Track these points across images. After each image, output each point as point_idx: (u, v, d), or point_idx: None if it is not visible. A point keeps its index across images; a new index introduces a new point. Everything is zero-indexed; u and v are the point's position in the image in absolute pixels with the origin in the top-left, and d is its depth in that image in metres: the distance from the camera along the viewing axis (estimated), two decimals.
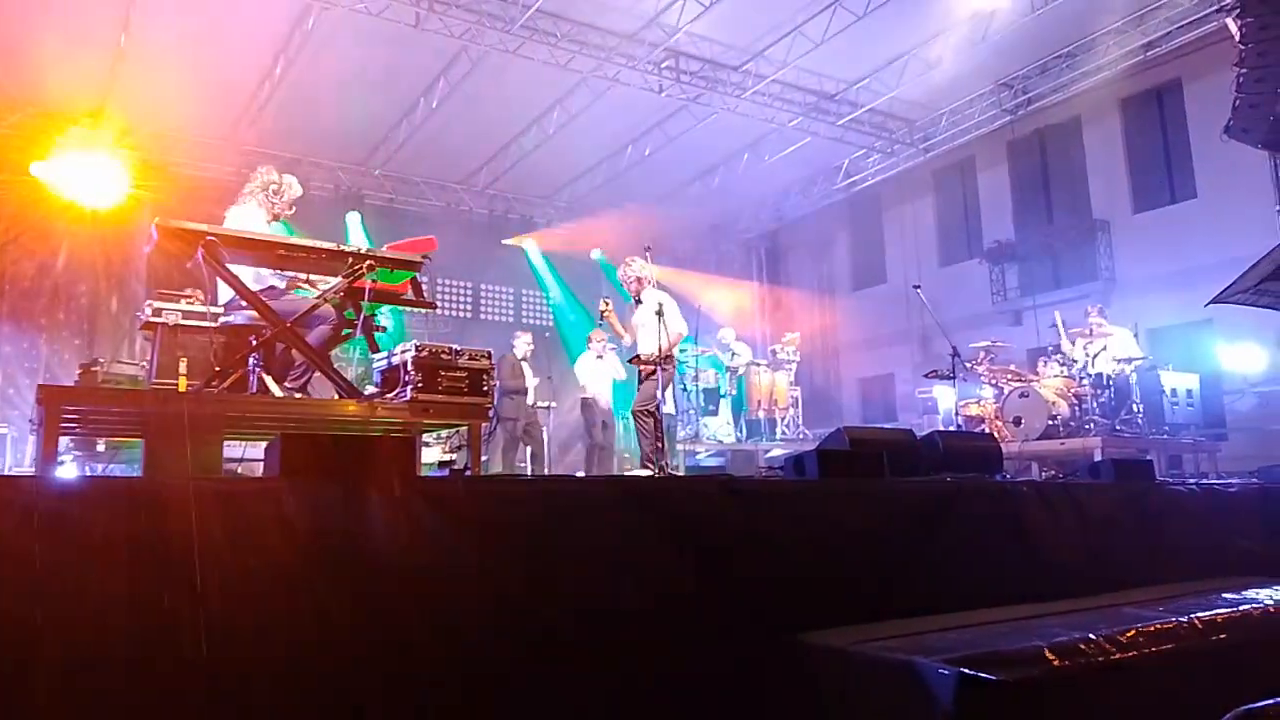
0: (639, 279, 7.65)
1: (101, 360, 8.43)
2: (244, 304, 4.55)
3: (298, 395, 4.70)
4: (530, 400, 10.47)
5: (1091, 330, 9.51)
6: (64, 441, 6.24)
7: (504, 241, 15.68)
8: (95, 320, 11.93)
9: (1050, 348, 9.88)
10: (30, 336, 11.49)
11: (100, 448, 7.37)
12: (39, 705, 1.67)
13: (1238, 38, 8.38)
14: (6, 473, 8.50)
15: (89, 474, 7.22)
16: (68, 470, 6.84)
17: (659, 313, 7.29)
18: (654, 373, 7.41)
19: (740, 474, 9.20)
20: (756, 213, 16.93)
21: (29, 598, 1.71)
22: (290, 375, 4.78)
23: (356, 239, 12.95)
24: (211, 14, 9.80)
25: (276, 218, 5.18)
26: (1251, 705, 1.87)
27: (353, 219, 13.81)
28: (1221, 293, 8.58)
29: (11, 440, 9.19)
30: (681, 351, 11.56)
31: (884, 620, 2.67)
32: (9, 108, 11.52)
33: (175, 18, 9.89)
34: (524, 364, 10.60)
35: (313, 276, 4.98)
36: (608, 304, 7.71)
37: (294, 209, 5.30)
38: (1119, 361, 9.20)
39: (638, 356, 7.66)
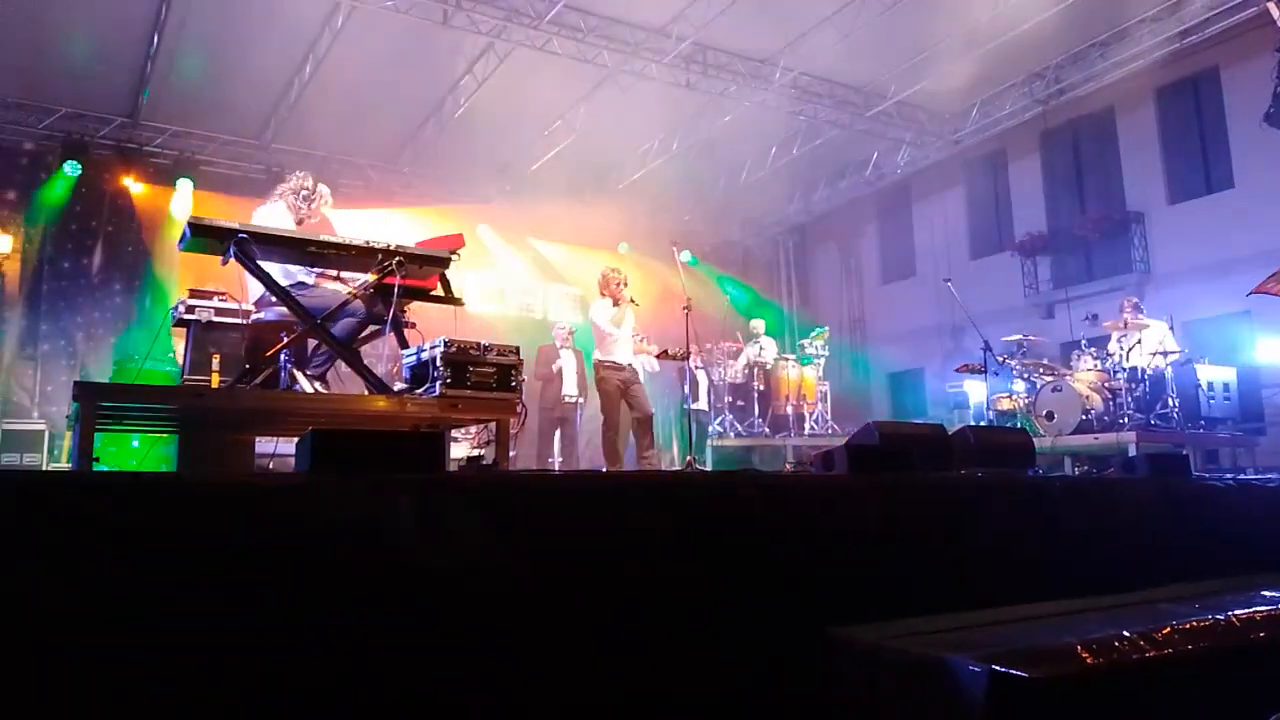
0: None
1: (136, 357, 8.58)
2: (274, 300, 4.60)
3: (318, 386, 4.75)
4: (566, 390, 10.49)
5: (1126, 324, 9.38)
6: (99, 437, 6.34)
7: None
8: (130, 317, 12.11)
9: (1084, 340, 9.75)
10: (67, 334, 11.70)
11: (135, 444, 7.50)
12: (68, 701, 1.69)
13: (1279, 22, 8.22)
14: (44, 468, 8.66)
15: (124, 470, 7.34)
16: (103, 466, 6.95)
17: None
18: None
19: (769, 469, 9.19)
20: (784, 206, 16.83)
21: (64, 593, 1.73)
22: (312, 364, 4.83)
23: None
24: (242, 14, 9.90)
25: (301, 222, 5.23)
26: None
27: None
28: (1263, 282, 8.43)
29: (49, 436, 9.36)
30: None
31: (914, 616, 2.65)
32: (44, 110, 11.73)
33: (207, 18, 10.01)
34: (563, 351, 10.62)
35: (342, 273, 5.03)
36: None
37: (317, 218, 5.36)
38: (1154, 355, 9.06)
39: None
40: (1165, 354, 9.05)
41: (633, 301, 7.70)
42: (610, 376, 7.61)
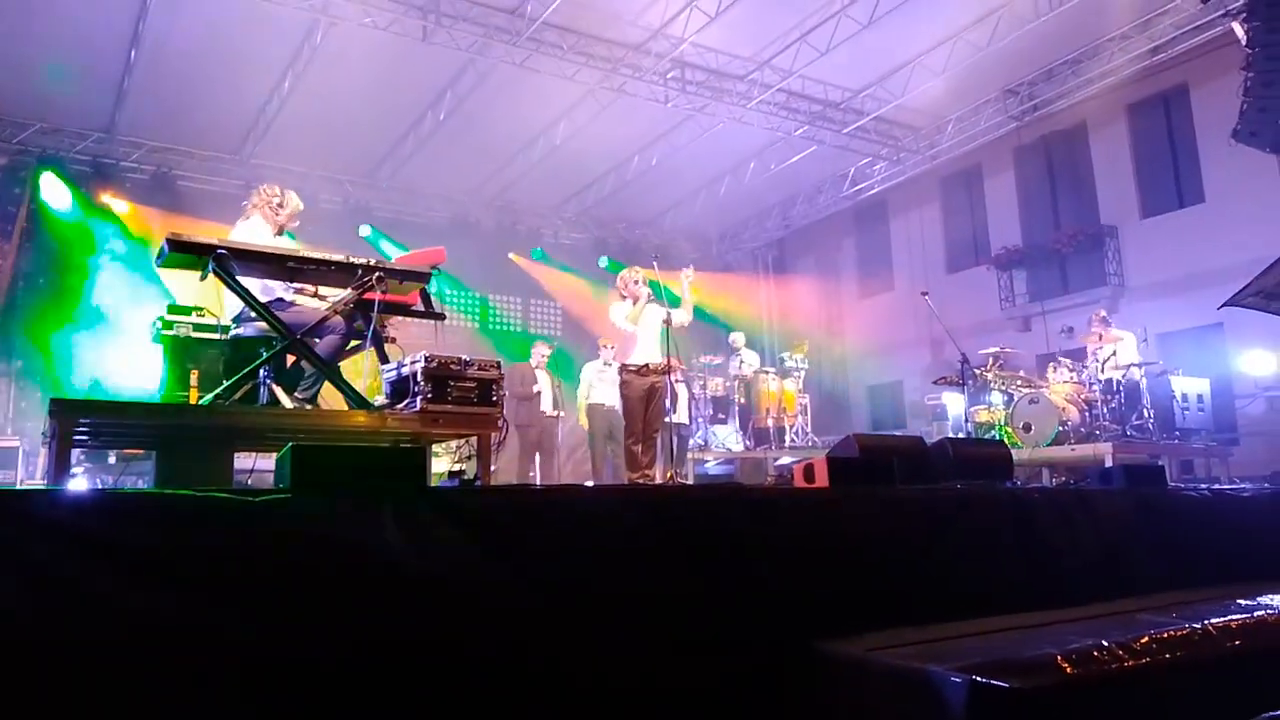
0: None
1: (113, 373, 8.49)
2: (254, 316, 4.57)
3: (308, 406, 4.72)
4: (544, 408, 10.56)
5: (1101, 337, 9.50)
6: (75, 454, 6.27)
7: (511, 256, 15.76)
8: (106, 333, 11.98)
9: (1059, 352, 9.86)
10: (42, 349, 11.55)
11: (111, 460, 7.41)
12: (61, 710, 1.67)
13: (1245, 42, 8.37)
14: (19, 485, 8.54)
15: (100, 487, 7.25)
16: (79, 483, 6.87)
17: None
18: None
19: (749, 482, 9.19)
20: (763, 221, 16.94)
21: (41, 611, 1.72)
22: (300, 386, 4.80)
23: None
24: (221, 29, 9.87)
25: (281, 228, 5.22)
26: (1270, 714, 1.86)
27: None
28: (1234, 295, 8.55)
29: (24, 453, 9.23)
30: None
31: (896, 628, 2.67)
32: (18, 125, 11.63)
33: (185, 33, 9.97)
34: (539, 372, 10.69)
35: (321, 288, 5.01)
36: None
37: (297, 221, 5.34)
38: (1124, 367, 9.16)
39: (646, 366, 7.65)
40: (1128, 366, 9.14)
41: (651, 300, 7.60)
42: (633, 382, 7.50)
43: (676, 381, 9.77)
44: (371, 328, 4.70)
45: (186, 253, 4.21)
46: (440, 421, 4.49)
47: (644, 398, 7.48)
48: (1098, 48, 11.35)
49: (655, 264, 7.83)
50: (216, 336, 5.04)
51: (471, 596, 2.17)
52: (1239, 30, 8.87)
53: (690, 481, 9.69)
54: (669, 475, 7.96)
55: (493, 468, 4.77)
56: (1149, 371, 9.28)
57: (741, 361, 12.26)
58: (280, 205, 5.21)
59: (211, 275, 4.19)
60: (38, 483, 8.43)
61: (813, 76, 11.85)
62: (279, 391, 4.62)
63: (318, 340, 4.66)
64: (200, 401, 4.52)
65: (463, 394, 4.54)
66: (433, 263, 4.97)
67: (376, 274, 4.54)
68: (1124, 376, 9.11)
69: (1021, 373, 10.24)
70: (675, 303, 7.57)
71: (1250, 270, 8.62)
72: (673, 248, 16.35)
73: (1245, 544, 4.21)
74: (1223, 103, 9.87)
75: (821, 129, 13.02)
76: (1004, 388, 9.75)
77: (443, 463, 7.58)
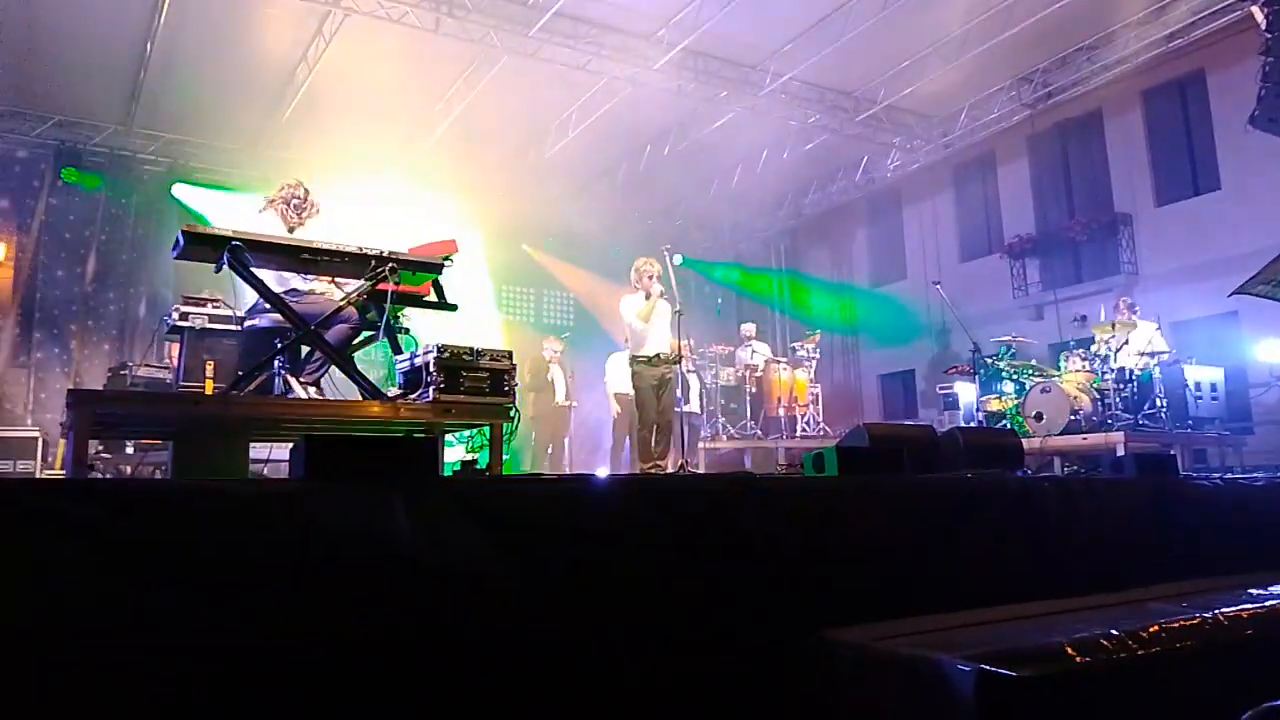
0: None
1: (130, 364, 8.57)
2: (268, 307, 4.61)
3: (312, 390, 4.77)
4: (557, 400, 10.67)
5: (1115, 325, 9.45)
6: (93, 444, 6.35)
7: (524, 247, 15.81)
8: (124, 324, 12.10)
9: (1072, 341, 9.83)
10: (61, 341, 11.69)
11: (130, 450, 7.50)
12: (62, 712, 1.70)
13: (1263, 26, 8.30)
14: (38, 475, 8.64)
15: (118, 476, 7.33)
16: (97, 473, 6.95)
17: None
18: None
19: (760, 472, 9.20)
20: (776, 210, 16.90)
21: (58, 602, 1.74)
22: (306, 370, 4.85)
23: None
24: (235, 22, 9.91)
25: (292, 230, 5.26)
26: (1272, 703, 1.86)
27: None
28: (1244, 283, 8.49)
29: (43, 443, 9.34)
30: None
31: (904, 617, 2.68)
32: (37, 118, 11.72)
33: (200, 26, 10.01)
34: (553, 366, 10.79)
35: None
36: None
37: (308, 226, 5.37)
38: (1141, 355, 9.12)
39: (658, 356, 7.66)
40: (1154, 354, 9.11)
41: (664, 295, 7.65)
42: (644, 373, 7.57)
43: (688, 371, 9.79)
44: (385, 319, 4.74)
45: (202, 244, 4.26)
46: (453, 411, 4.53)
47: (656, 388, 7.52)
48: (1112, 34, 11.25)
49: (667, 253, 7.85)
50: (232, 327, 5.08)
51: (478, 590, 2.19)
52: (1258, 15, 8.77)
53: (701, 470, 9.72)
54: (680, 464, 8.00)
55: (504, 457, 4.80)
56: (1162, 361, 9.24)
57: (753, 351, 12.26)
58: (298, 206, 5.25)
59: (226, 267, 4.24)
60: (57, 473, 8.54)
61: (826, 65, 11.79)
62: (293, 382, 4.67)
63: (327, 329, 4.70)
64: (215, 392, 4.57)
65: (475, 384, 4.57)
66: (445, 253, 5.00)
67: (389, 265, 4.57)
68: (1139, 366, 9.07)
69: (1033, 361, 10.21)
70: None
71: (1266, 258, 8.57)
72: (685, 237, 16.34)
73: (1258, 533, 4.19)
74: (1239, 88, 9.79)
75: (834, 118, 12.97)
76: (1016, 376, 9.73)
77: (456, 452, 7.65)
